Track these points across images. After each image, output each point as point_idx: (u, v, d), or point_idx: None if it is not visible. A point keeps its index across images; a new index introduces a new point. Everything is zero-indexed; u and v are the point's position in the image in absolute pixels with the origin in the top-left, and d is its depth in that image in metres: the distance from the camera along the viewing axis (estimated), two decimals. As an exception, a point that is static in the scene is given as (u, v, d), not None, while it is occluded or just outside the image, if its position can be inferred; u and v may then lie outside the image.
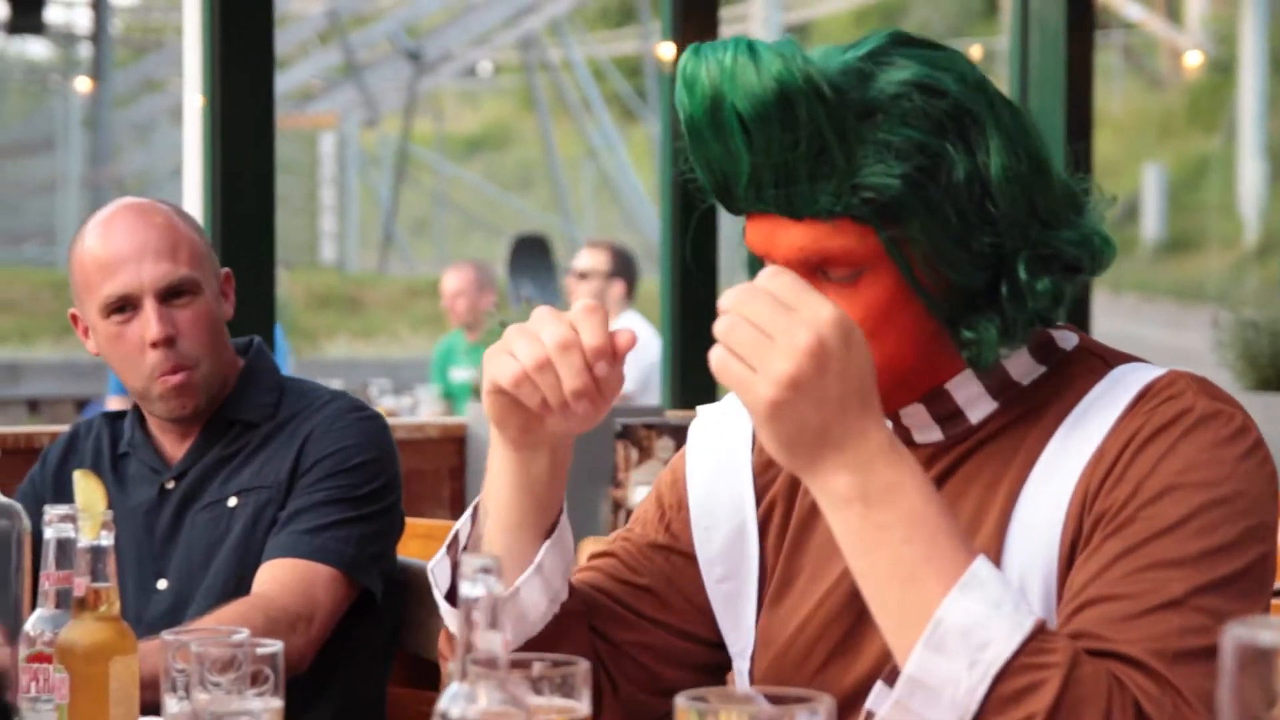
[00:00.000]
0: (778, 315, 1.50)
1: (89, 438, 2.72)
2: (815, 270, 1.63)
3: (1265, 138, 20.87)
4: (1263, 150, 20.85)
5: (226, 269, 2.68)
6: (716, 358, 1.53)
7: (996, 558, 1.67)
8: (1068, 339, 1.73)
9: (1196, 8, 23.14)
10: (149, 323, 2.54)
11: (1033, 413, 1.70)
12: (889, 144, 1.58)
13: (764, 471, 1.85)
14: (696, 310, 5.33)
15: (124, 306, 2.56)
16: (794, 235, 1.62)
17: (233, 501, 2.60)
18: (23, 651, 1.91)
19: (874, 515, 1.52)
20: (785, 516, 1.82)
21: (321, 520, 2.54)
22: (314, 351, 17.11)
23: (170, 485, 2.63)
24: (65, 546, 1.89)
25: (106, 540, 1.84)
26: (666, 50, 5.60)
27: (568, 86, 21.60)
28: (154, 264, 2.55)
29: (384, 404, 7.61)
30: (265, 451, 2.62)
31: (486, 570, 1.31)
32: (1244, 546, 1.60)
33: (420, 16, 21.17)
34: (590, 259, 7.15)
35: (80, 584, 1.85)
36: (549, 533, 1.75)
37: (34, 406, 12.37)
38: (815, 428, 1.51)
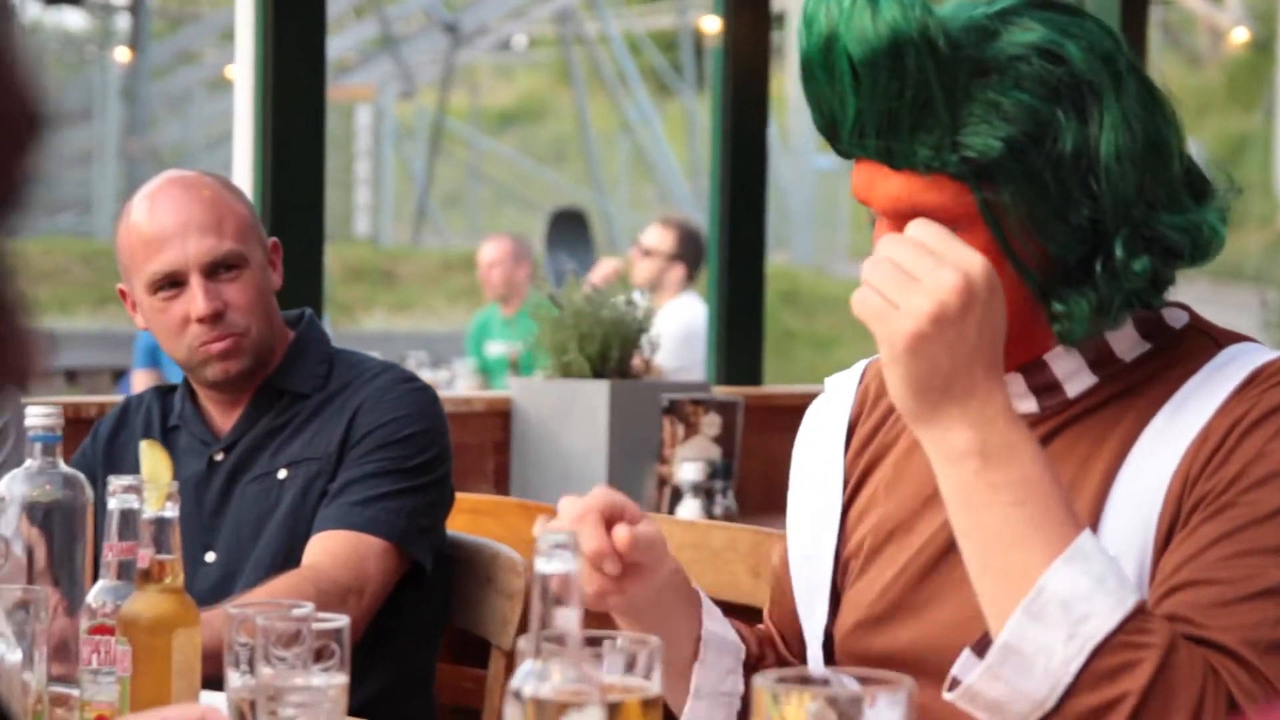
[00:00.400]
0: (923, 258, 1.52)
1: (139, 411, 2.72)
2: (908, 224, 1.61)
3: None
4: None
5: (274, 239, 2.67)
6: (858, 296, 1.54)
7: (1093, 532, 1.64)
8: (1178, 317, 1.70)
9: None
10: (195, 299, 2.55)
11: (1134, 389, 1.67)
12: (998, 105, 1.57)
13: (854, 460, 1.86)
14: (742, 287, 5.31)
15: (171, 283, 2.56)
16: (891, 185, 1.62)
17: (283, 473, 2.59)
18: (84, 623, 1.90)
19: (989, 474, 1.53)
20: (869, 498, 1.82)
21: (372, 491, 2.53)
22: (350, 324, 17.12)
23: (219, 457, 2.63)
24: (129, 517, 1.88)
25: (171, 512, 1.84)
26: (711, 24, 5.58)
27: (603, 60, 21.55)
28: (199, 239, 2.55)
29: (420, 377, 7.61)
30: (315, 423, 2.61)
31: (562, 546, 1.30)
32: None
33: None
34: (657, 236, 7.10)
35: (144, 555, 1.84)
36: (695, 656, 1.78)
37: (72, 377, 12.41)
38: (945, 373, 1.52)
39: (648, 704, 1.40)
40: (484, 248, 8.14)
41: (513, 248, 7.97)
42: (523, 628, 2.50)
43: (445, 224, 22.64)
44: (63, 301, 16.53)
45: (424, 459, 2.58)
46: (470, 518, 2.88)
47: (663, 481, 4.24)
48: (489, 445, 4.60)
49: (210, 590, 2.50)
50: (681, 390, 4.42)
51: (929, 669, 1.65)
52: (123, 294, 2.65)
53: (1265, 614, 1.54)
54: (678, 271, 6.91)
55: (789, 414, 4.70)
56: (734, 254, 5.34)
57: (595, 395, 4.40)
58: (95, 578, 1.95)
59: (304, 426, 2.62)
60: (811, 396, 1.96)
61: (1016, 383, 1.70)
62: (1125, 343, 1.68)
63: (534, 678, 1.31)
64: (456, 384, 7.46)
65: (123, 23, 21.43)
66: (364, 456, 2.56)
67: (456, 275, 18.96)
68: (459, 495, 2.87)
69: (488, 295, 8.17)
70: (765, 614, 1.98)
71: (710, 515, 4.10)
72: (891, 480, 1.80)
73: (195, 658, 1.87)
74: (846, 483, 1.85)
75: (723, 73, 5.33)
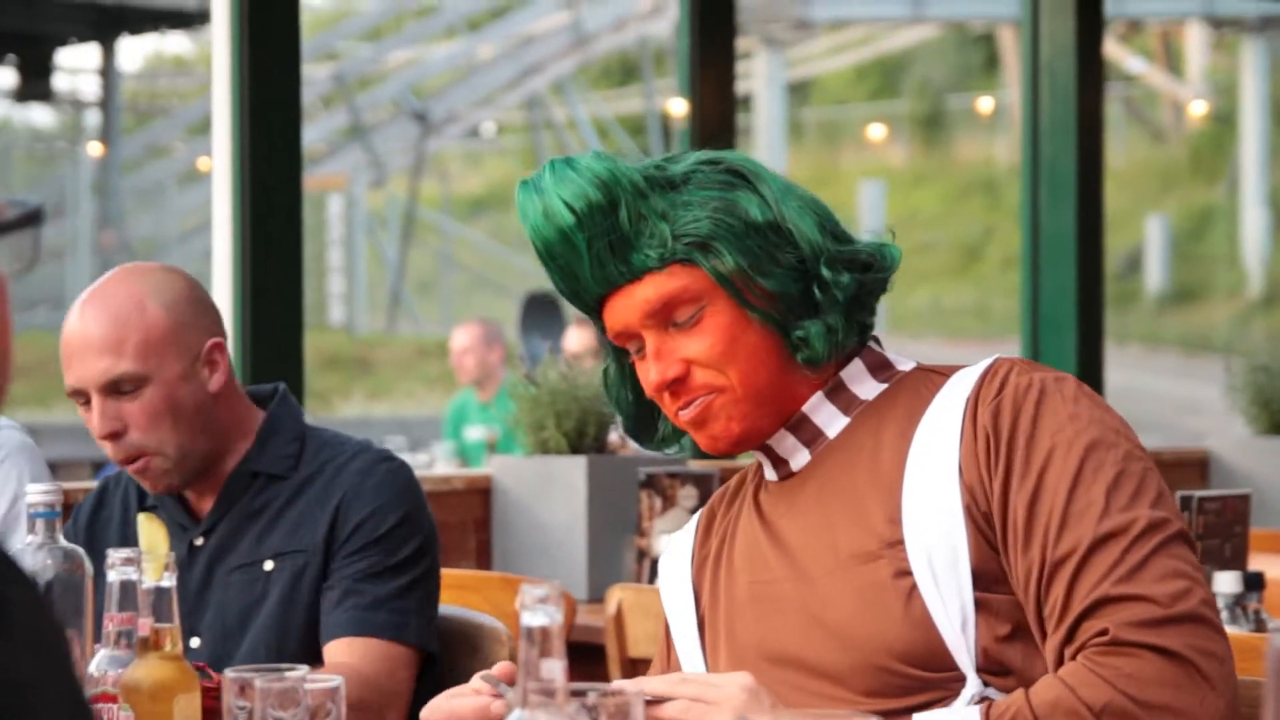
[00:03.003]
0: (704, 688, 1.79)
1: (117, 491, 2.71)
2: (667, 323, 1.94)
3: (1268, 188, 20.93)
4: (1266, 200, 20.91)
5: (214, 339, 2.60)
6: None
7: (895, 535, 1.88)
8: (905, 364, 2.01)
9: (1197, 60, 23.25)
10: (93, 419, 2.53)
11: (884, 416, 1.96)
12: (693, 202, 1.93)
13: (700, 566, 2.09)
14: None
15: (82, 398, 2.54)
16: (638, 293, 1.93)
17: (269, 565, 2.58)
18: (88, 692, 1.93)
19: None
20: (713, 596, 2.05)
21: (379, 592, 2.55)
22: (327, 411, 17.15)
23: (199, 542, 2.62)
24: (128, 589, 1.94)
25: (169, 581, 1.90)
26: (678, 106, 5.66)
27: (572, 145, 21.71)
28: (96, 359, 2.51)
29: None
30: (295, 509, 2.61)
31: (545, 600, 1.35)
32: (1130, 467, 1.85)
33: (426, 78, 21.37)
34: (579, 339, 7.19)
35: (144, 624, 1.90)
36: None
37: (52, 469, 12.38)
38: None
39: (632, 752, 1.43)
40: (456, 334, 8.21)
41: (484, 332, 8.04)
42: None
43: (419, 310, 22.74)
44: (40, 395, 16.51)
45: (414, 547, 2.60)
46: (455, 593, 2.91)
47: (642, 553, 4.29)
48: (470, 522, 4.64)
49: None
50: (658, 464, 4.45)
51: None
52: None
53: (1108, 559, 1.80)
54: None
55: (764, 486, 4.79)
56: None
57: (573, 470, 4.44)
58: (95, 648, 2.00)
59: (284, 513, 2.61)
60: None
61: (787, 439, 1.99)
62: (864, 386, 1.98)
63: None
64: (436, 467, 7.44)
65: (93, 119, 21.63)
66: (356, 554, 2.56)
67: (432, 361, 19.02)
68: (443, 571, 2.89)
69: (461, 381, 8.22)
70: None
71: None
72: (727, 582, 2.03)
73: None
74: (697, 595, 2.07)
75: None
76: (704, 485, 4.30)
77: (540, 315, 11.44)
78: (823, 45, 23.35)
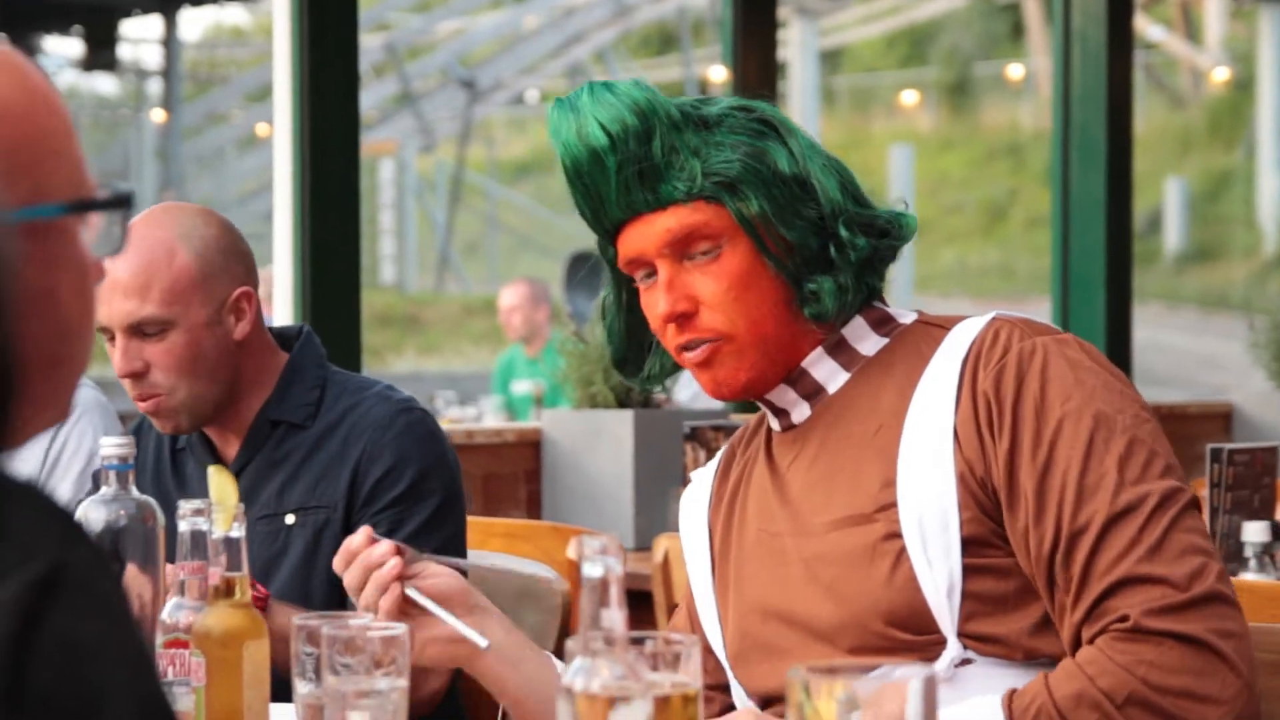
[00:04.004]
0: None
1: (151, 433, 2.67)
2: (682, 255, 1.90)
3: None
4: None
5: (244, 288, 2.56)
6: None
7: (889, 498, 1.85)
8: (907, 316, 1.97)
9: (1215, 28, 23.10)
10: (115, 357, 2.50)
11: (884, 374, 1.92)
12: (724, 143, 1.90)
13: (716, 506, 2.07)
14: None
15: (108, 334, 2.51)
16: (662, 222, 1.90)
17: (290, 519, 2.55)
18: (160, 638, 1.97)
19: None
20: (725, 538, 2.04)
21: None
22: (380, 366, 17.32)
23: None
24: (198, 538, 1.96)
25: (238, 532, 1.93)
26: (717, 73, 5.98)
27: None
28: (122, 301, 2.48)
29: (449, 415, 7.75)
30: (316, 462, 2.56)
31: (604, 551, 1.37)
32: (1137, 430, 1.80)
33: (473, 47, 21.48)
34: None
35: (214, 573, 1.93)
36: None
37: (125, 422, 12.89)
38: None
39: (688, 699, 1.45)
40: (504, 293, 8.34)
41: (531, 291, 8.21)
42: (560, 641, 2.60)
43: (466, 271, 22.79)
44: (100, 353, 17.09)
45: (438, 500, 2.55)
46: (505, 541, 2.92)
47: None
48: (521, 474, 4.74)
49: None
50: (702, 418, 4.49)
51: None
52: None
53: (1125, 536, 1.75)
54: None
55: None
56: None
57: (620, 424, 4.50)
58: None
59: (305, 465, 2.57)
60: None
61: (787, 393, 1.95)
62: (865, 340, 1.94)
63: (583, 674, 1.36)
64: (485, 420, 7.56)
65: (155, 87, 21.85)
66: (381, 512, 2.52)
67: (479, 319, 19.24)
68: (493, 521, 2.99)
69: (510, 337, 8.37)
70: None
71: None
72: (739, 525, 2.01)
73: (264, 668, 1.94)
74: (711, 534, 2.06)
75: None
76: None
77: (584, 274, 11.39)
78: (854, 14, 23.23)
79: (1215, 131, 22.77)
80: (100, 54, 20.40)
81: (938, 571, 1.81)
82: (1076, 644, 1.77)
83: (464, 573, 2.03)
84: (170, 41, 20.18)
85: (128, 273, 2.46)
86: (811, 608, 1.88)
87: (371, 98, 20.20)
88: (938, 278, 21.24)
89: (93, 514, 2.06)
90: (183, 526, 1.96)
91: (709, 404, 6.49)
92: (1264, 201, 21.11)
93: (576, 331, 4.63)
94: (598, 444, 4.58)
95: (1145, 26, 21.71)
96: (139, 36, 22.26)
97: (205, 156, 21.88)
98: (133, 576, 2.04)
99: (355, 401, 2.59)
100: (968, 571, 1.81)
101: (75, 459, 2.98)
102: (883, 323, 1.96)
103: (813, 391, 1.95)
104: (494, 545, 2.85)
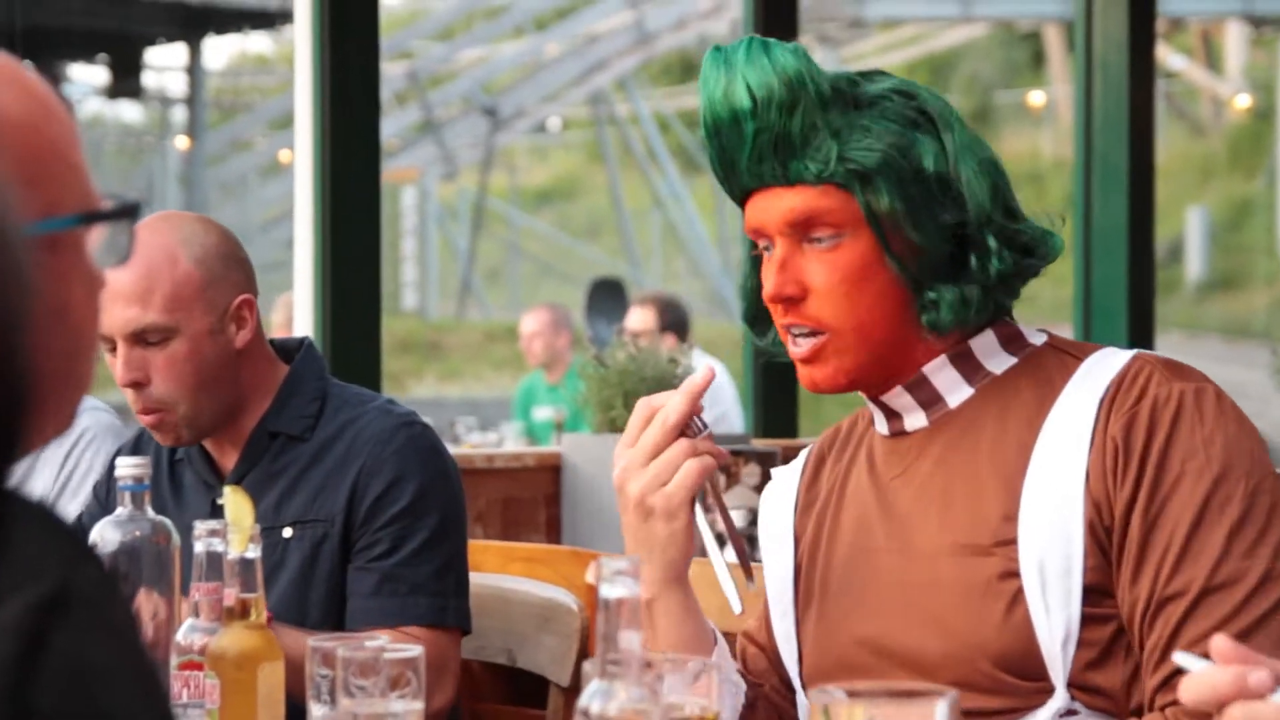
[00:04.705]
0: None
1: (149, 444, 2.64)
2: (802, 238, 1.82)
3: None
4: None
5: (244, 295, 2.52)
6: None
7: (1010, 534, 1.76)
8: (1037, 336, 1.87)
9: (1236, 57, 23.12)
10: (117, 366, 2.46)
11: (1011, 398, 1.83)
12: (870, 129, 1.79)
13: (801, 519, 1.98)
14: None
15: (110, 344, 2.48)
16: (787, 199, 1.81)
17: (288, 532, 2.52)
18: (174, 659, 1.96)
19: None
20: (814, 547, 1.96)
21: (416, 579, 2.49)
22: (400, 392, 17.32)
23: (222, 502, 2.48)
24: (214, 559, 1.95)
25: (254, 553, 1.91)
26: None
27: (634, 139, 21.87)
28: (124, 308, 2.43)
29: (470, 440, 7.73)
30: (315, 476, 2.53)
31: (624, 572, 1.35)
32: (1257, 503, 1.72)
33: (495, 75, 21.54)
34: (640, 318, 7.13)
35: (229, 594, 1.91)
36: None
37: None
38: None
39: (709, 722, 1.42)
40: (525, 319, 8.27)
41: (552, 318, 8.13)
42: (578, 665, 2.55)
43: (488, 298, 22.91)
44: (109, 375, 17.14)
45: (440, 518, 2.52)
46: (526, 565, 2.92)
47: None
48: (540, 498, 4.70)
49: None
50: (723, 442, 4.29)
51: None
52: None
53: (1218, 612, 1.70)
54: (670, 341, 6.81)
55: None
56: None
57: None
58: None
59: (303, 478, 2.53)
60: None
61: (904, 397, 1.85)
62: (992, 357, 1.84)
63: (600, 696, 1.35)
64: (505, 446, 7.42)
65: (179, 114, 21.94)
66: (381, 529, 2.50)
67: (500, 345, 19.27)
68: (513, 545, 2.99)
69: (530, 364, 8.30)
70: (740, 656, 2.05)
71: (752, 560, 4.27)
72: (831, 530, 1.92)
73: (279, 689, 1.93)
74: (797, 540, 1.97)
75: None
76: (766, 463, 4.26)
77: (605, 301, 11.04)
78: (875, 43, 23.25)
79: (1236, 160, 22.85)
80: (125, 82, 20.47)
81: (1055, 619, 1.74)
82: (1150, 706, 1.73)
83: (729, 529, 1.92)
84: (195, 69, 20.34)
85: (129, 280, 2.43)
86: (911, 637, 1.80)
87: (394, 125, 20.33)
88: (959, 305, 21.16)
89: (107, 535, 2.04)
90: (198, 547, 1.95)
91: (728, 428, 6.56)
92: (1285, 230, 21.14)
93: (597, 355, 4.63)
94: (617, 468, 4.60)
95: (1166, 55, 21.73)
96: (164, 64, 22.56)
97: (229, 183, 22.04)
98: (147, 597, 2.02)
99: (355, 415, 2.56)
100: (1085, 620, 1.74)
101: (86, 480, 2.95)
102: (1012, 340, 1.87)
103: (931, 400, 1.86)
104: (514, 570, 2.87)
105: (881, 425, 1.90)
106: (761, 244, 1.86)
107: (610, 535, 4.53)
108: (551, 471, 4.73)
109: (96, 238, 1.16)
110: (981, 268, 1.80)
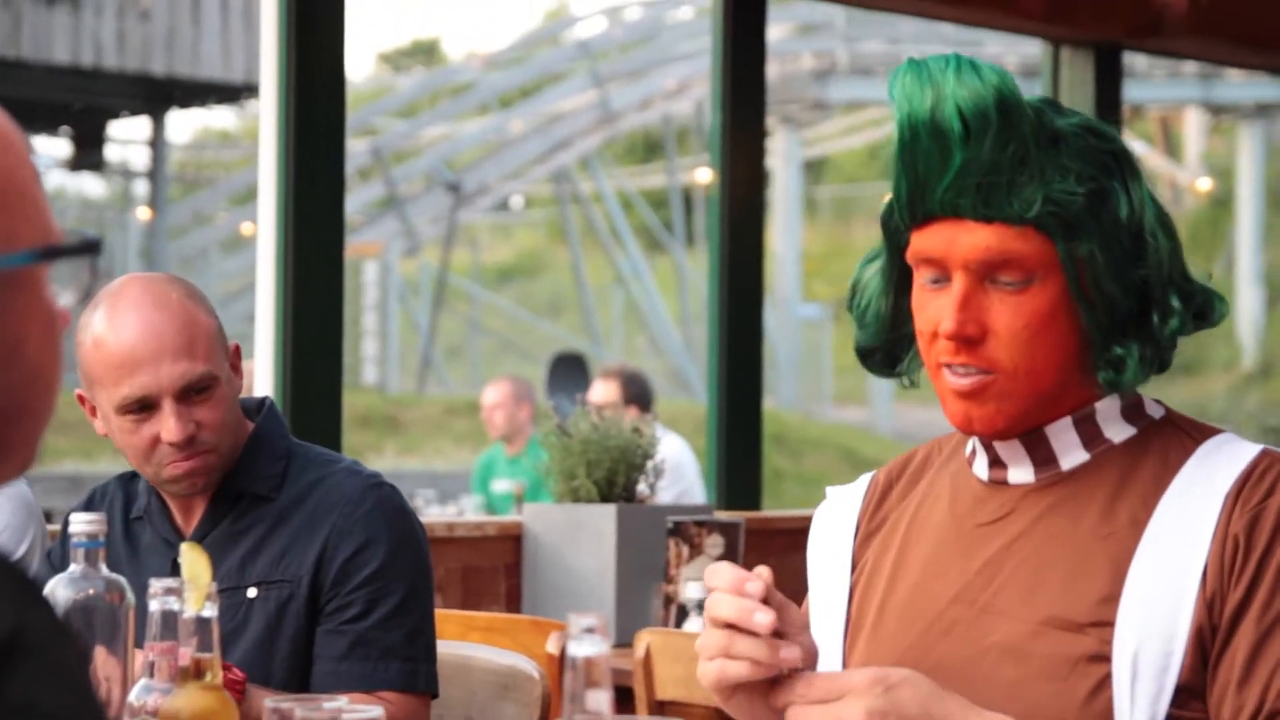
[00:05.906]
0: (829, 683, 1.61)
1: (104, 501, 2.62)
2: (987, 277, 1.70)
3: (1262, 266, 21.16)
4: (1260, 278, 21.14)
5: (234, 343, 2.54)
6: None
7: (1108, 616, 1.68)
8: (1156, 409, 1.79)
9: (1195, 144, 23.44)
10: (167, 424, 2.43)
11: (1129, 471, 1.74)
12: (1070, 169, 1.68)
13: (862, 546, 1.89)
14: (739, 421, 5.41)
15: (142, 406, 2.43)
16: (980, 236, 1.68)
17: (252, 592, 2.50)
18: None
19: None
20: (874, 574, 1.86)
21: (387, 643, 2.48)
22: None
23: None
24: (169, 618, 1.91)
25: (210, 611, 1.88)
26: (703, 175, 6.04)
27: (597, 218, 21.91)
28: (172, 364, 2.42)
29: (429, 513, 7.66)
30: (281, 536, 2.51)
31: (591, 630, 1.33)
32: None
33: (458, 152, 21.60)
34: (603, 390, 7.15)
35: (184, 654, 1.87)
36: None
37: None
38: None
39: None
40: (487, 390, 8.21)
41: (514, 390, 8.08)
42: None
43: (448, 373, 22.86)
44: (86, 450, 16.94)
45: (411, 582, 2.51)
46: (486, 634, 2.90)
47: (669, 600, 4.31)
48: (501, 568, 4.69)
49: None
50: (685, 513, 4.46)
51: None
52: (81, 399, 2.51)
53: None
54: (633, 414, 6.66)
55: (788, 535, 4.88)
56: (733, 392, 5.38)
57: (603, 518, 4.45)
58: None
59: (268, 538, 2.51)
60: (808, 519, 1.98)
61: (1017, 450, 1.76)
62: (1113, 424, 1.75)
63: None
64: (465, 517, 7.56)
65: (141, 187, 21.91)
66: (352, 592, 2.48)
67: (460, 420, 19.23)
68: (473, 615, 2.97)
69: (491, 435, 8.24)
70: None
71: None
72: (897, 562, 1.83)
73: None
74: (855, 566, 1.87)
75: (720, 222, 5.40)
76: (730, 534, 4.29)
77: (567, 374, 11.19)
78: (838, 125, 23.38)
79: (1195, 245, 23.06)
80: (88, 154, 20.44)
81: (1139, 714, 1.65)
82: None
83: None
84: (158, 143, 20.25)
85: (171, 334, 2.42)
86: (977, 695, 1.67)
87: (356, 201, 20.34)
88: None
89: (60, 593, 2.00)
90: (153, 605, 1.93)
91: (692, 500, 6.56)
92: (1243, 315, 21.28)
93: (560, 424, 4.62)
94: (579, 538, 4.54)
95: (1127, 141, 21.92)
96: (127, 137, 22.44)
97: (189, 257, 21.97)
98: (100, 657, 1.99)
99: (322, 475, 2.54)
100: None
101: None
102: (1133, 409, 1.78)
103: (1045, 460, 1.76)
104: (474, 638, 2.83)
105: (982, 469, 1.81)
106: (930, 274, 1.74)
107: (572, 605, 4.53)
108: (512, 541, 4.71)
109: (52, 275, 1.15)
110: (1164, 326, 1.71)
